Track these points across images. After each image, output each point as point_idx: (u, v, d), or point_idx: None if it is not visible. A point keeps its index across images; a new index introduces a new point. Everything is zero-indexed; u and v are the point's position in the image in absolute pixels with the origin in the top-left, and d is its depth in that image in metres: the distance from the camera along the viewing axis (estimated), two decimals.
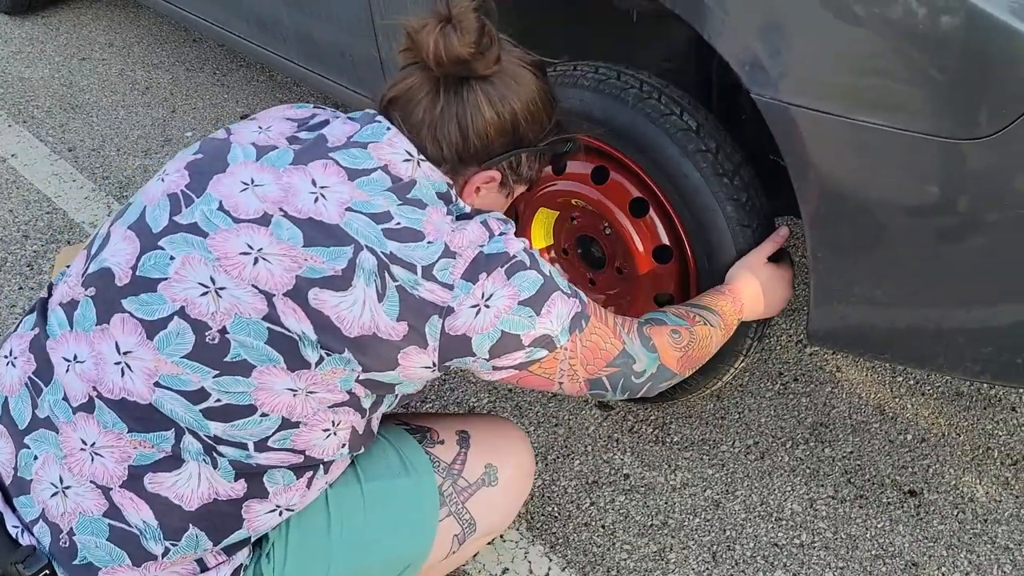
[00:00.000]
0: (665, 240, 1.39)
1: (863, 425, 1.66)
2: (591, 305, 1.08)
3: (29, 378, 0.98)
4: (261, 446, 0.96)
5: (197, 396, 0.93)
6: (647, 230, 1.40)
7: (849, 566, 1.43)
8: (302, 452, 0.99)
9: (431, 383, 1.10)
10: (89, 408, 0.94)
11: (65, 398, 0.95)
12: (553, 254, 1.60)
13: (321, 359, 0.94)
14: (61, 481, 0.95)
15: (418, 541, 1.11)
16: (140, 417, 0.94)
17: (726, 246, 1.30)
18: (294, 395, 0.94)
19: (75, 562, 0.95)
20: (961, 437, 1.63)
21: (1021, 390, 1.70)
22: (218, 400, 0.93)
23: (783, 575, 1.42)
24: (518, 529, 1.49)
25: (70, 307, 0.98)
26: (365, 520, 1.08)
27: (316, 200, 0.96)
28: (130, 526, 0.95)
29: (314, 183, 0.98)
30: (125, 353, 0.94)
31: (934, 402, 1.70)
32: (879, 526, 1.48)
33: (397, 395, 1.05)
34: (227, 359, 0.93)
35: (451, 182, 1.04)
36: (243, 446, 0.95)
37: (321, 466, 1.03)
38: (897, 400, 1.71)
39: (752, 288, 1.28)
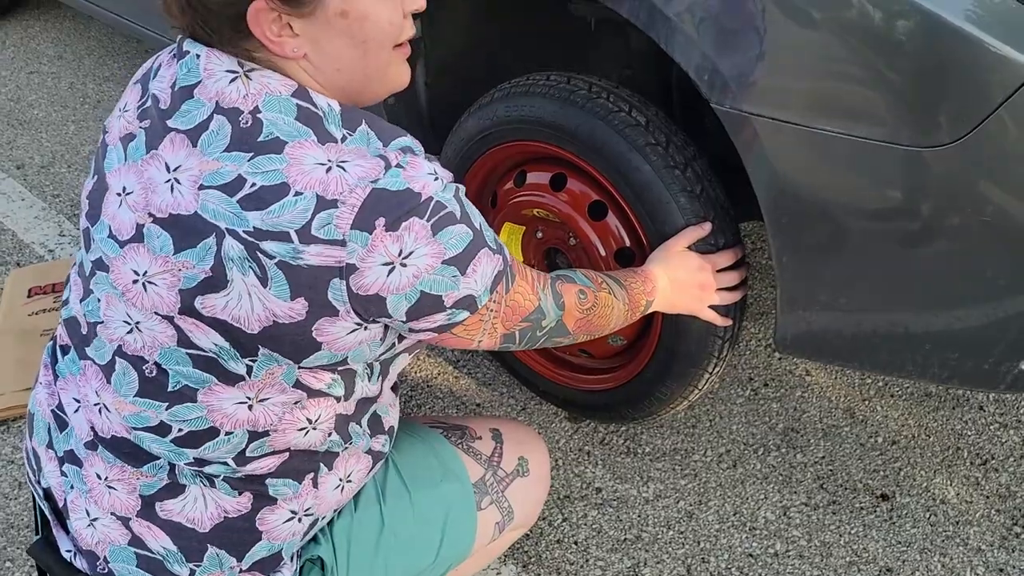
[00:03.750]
0: (627, 242, 1.38)
1: (834, 429, 1.65)
2: (514, 261, 0.99)
3: (52, 411, 1.02)
4: (241, 460, 0.95)
5: (161, 430, 0.93)
6: (608, 234, 1.38)
7: (824, 574, 1.41)
8: (286, 451, 0.96)
9: (413, 344, 1.01)
10: (93, 447, 0.97)
11: (78, 436, 0.99)
12: None
13: (249, 368, 0.88)
14: (88, 514, 0.98)
15: (465, 540, 1.16)
16: (130, 453, 0.96)
17: None
18: (249, 407, 0.91)
19: None
20: (931, 438, 1.63)
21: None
22: (180, 430, 0.93)
23: None
24: None
25: (63, 351, 1.02)
26: (417, 528, 1.11)
27: (172, 189, 0.85)
28: (153, 553, 0.97)
29: (167, 167, 0.87)
30: (98, 396, 0.96)
31: (903, 403, 1.69)
32: (852, 532, 1.47)
33: (374, 363, 0.97)
34: (170, 390, 0.91)
35: (297, 84, 0.87)
36: (224, 463, 0.95)
37: (320, 464, 1.00)
38: (867, 403, 1.70)
39: (667, 272, 1.25)
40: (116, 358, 0.92)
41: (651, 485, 1.57)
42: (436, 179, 0.86)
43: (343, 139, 0.86)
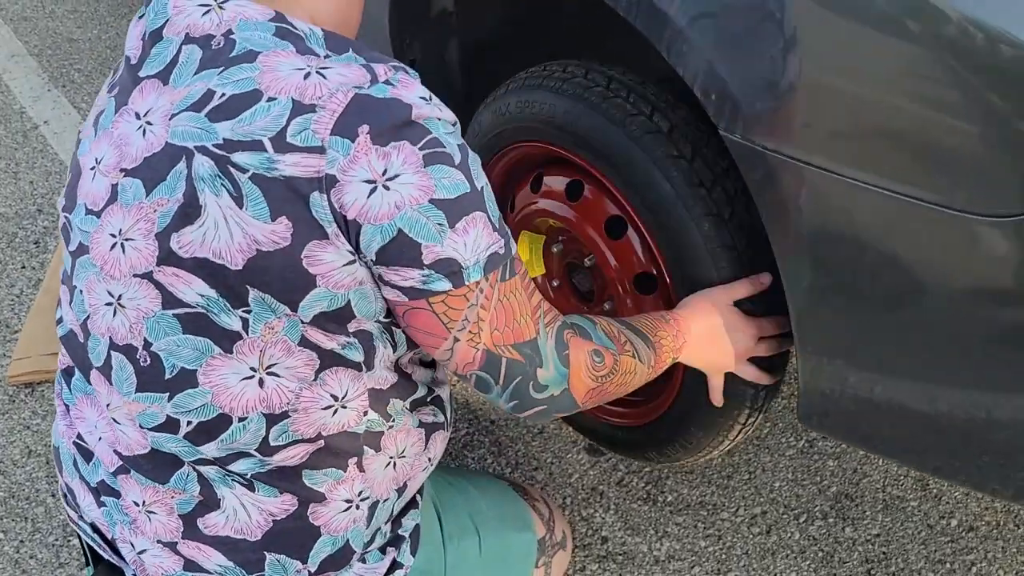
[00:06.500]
0: (649, 267, 1.18)
1: (898, 502, 1.39)
2: (519, 263, 0.85)
3: (74, 443, 0.98)
4: (266, 450, 0.85)
5: (171, 426, 0.85)
6: (628, 256, 1.20)
7: None
8: (318, 438, 0.86)
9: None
10: (124, 470, 0.91)
11: (105, 466, 0.93)
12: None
13: (244, 321, 0.79)
14: (133, 546, 0.93)
15: None
16: (155, 466, 0.89)
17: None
18: (259, 383, 0.81)
19: None
20: (1020, 530, 1.34)
21: None
22: (189, 423, 0.84)
23: None
24: None
25: (67, 376, 0.96)
26: (480, 570, 1.09)
27: (144, 134, 0.80)
28: (210, 573, 0.91)
29: (137, 116, 0.81)
30: (107, 406, 0.89)
31: None
32: None
33: (385, 324, 0.85)
34: (167, 377, 0.83)
35: (274, 11, 0.81)
36: (249, 455, 0.86)
37: (364, 447, 0.89)
38: None
39: (704, 326, 1.03)
40: (111, 353, 0.85)
41: (665, 542, 1.38)
42: (430, 103, 0.78)
43: (326, 57, 0.79)
